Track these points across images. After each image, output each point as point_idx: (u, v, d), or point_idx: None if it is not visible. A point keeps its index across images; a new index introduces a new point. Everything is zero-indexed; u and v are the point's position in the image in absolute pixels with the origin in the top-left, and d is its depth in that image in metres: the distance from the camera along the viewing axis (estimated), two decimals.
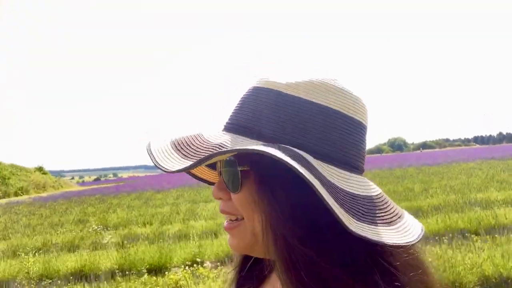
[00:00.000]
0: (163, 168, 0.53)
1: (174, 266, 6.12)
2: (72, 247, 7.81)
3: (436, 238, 6.15)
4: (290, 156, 0.49)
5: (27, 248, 7.56)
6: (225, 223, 0.61)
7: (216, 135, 0.57)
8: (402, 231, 0.52)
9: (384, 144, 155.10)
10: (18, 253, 7.03)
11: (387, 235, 0.50)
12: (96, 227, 9.68)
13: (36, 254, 6.96)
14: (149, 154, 0.55)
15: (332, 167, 0.54)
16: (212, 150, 0.54)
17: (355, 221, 0.49)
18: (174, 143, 0.56)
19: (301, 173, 0.46)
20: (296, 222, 0.52)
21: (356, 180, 0.55)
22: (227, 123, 0.59)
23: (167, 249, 6.60)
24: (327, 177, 0.51)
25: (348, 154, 0.55)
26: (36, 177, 38.95)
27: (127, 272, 5.83)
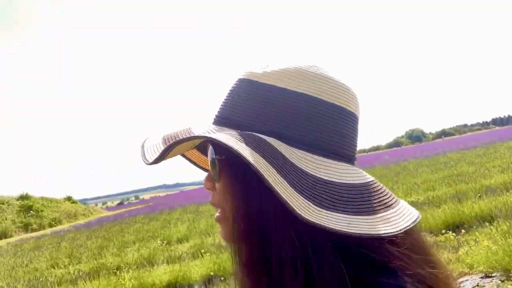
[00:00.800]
0: (144, 161, 0.54)
1: None
2: (150, 262, 7.88)
3: None
4: (244, 141, 0.48)
5: (109, 267, 7.69)
6: (216, 214, 0.61)
7: (202, 127, 0.57)
8: (383, 221, 0.47)
9: (402, 136, 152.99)
10: (112, 271, 7.12)
11: (359, 225, 0.45)
12: (160, 243, 9.77)
13: (129, 270, 7.04)
14: (140, 150, 0.56)
15: (306, 153, 0.51)
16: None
17: (319, 208, 0.45)
18: (164, 138, 0.56)
19: (236, 150, 0.45)
20: (244, 213, 0.51)
21: (336, 167, 0.51)
22: (215, 115, 0.60)
23: None
24: (294, 163, 0.49)
25: (329, 141, 0.52)
26: (67, 207, 39.63)
27: (222, 278, 5.87)
